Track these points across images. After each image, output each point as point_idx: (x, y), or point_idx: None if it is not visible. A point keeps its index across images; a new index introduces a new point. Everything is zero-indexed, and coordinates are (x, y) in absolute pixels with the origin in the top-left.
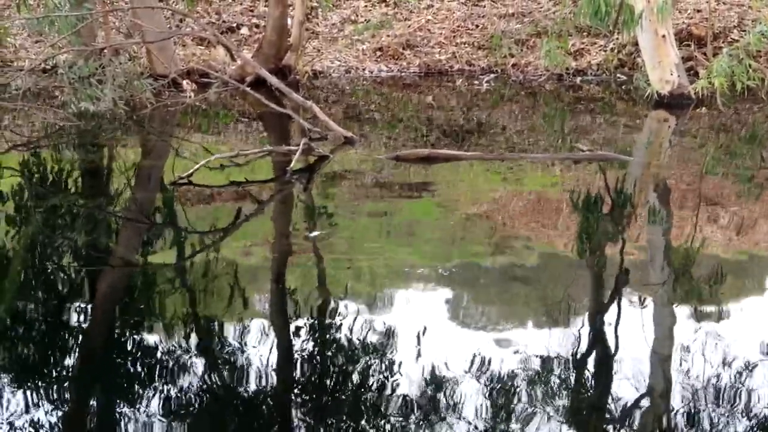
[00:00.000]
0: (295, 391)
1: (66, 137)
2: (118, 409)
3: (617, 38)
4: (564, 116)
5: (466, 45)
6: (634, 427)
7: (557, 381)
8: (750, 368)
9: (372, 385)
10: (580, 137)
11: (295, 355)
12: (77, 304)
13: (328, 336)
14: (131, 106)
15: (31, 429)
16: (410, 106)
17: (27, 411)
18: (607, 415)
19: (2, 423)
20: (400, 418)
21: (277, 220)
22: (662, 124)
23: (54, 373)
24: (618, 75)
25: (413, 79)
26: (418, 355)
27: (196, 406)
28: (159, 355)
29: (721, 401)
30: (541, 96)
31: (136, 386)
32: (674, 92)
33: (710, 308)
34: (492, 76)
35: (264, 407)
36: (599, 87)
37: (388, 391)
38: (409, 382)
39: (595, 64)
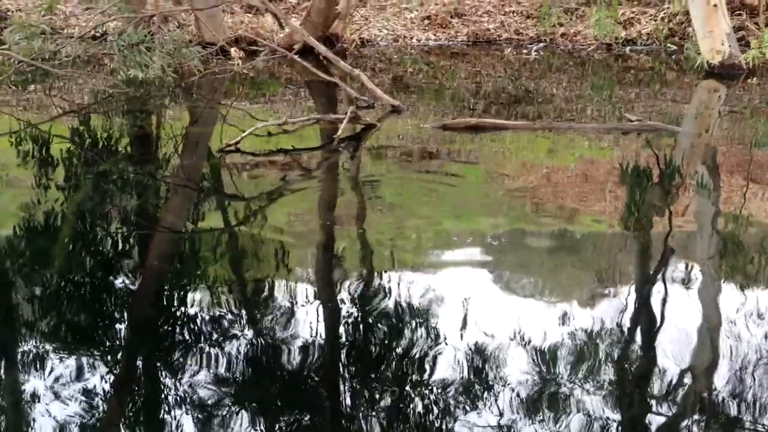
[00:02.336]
0: (342, 357)
1: (115, 104)
2: (166, 373)
3: (668, 7)
4: (612, 86)
5: (515, 14)
6: (680, 400)
7: (603, 351)
8: None
9: (419, 351)
10: (629, 107)
11: (342, 323)
12: (127, 269)
13: (374, 303)
14: (179, 74)
15: (81, 392)
16: (458, 75)
17: (77, 374)
18: (653, 387)
19: (54, 386)
20: (446, 384)
21: (324, 187)
22: (712, 94)
23: (103, 337)
24: (668, 45)
25: (461, 48)
26: (465, 322)
27: (243, 370)
28: (207, 320)
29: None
30: (589, 66)
31: (184, 350)
32: (725, 62)
33: (759, 282)
34: (540, 45)
35: (311, 372)
36: (649, 57)
37: (435, 358)
38: (455, 349)
39: (645, 33)
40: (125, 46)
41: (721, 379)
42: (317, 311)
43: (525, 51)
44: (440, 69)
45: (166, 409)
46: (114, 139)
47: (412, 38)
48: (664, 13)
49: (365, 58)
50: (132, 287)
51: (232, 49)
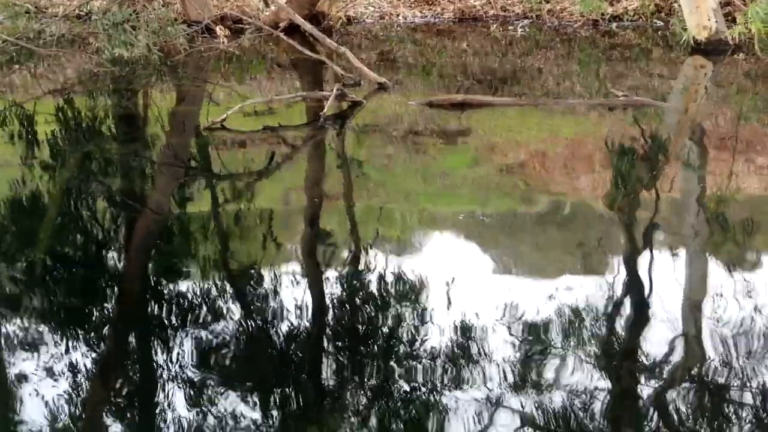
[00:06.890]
0: (329, 335)
1: (100, 83)
2: (153, 353)
3: None
4: (599, 62)
5: None
6: (667, 374)
7: (591, 326)
8: None
9: (407, 329)
10: (615, 83)
11: (329, 301)
12: (113, 248)
13: (362, 281)
14: (165, 53)
15: (67, 372)
16: (444, 53)
17: (63, 354)
18: (640, 362)
19: (40, 366)
20: (435, 362)
21: (310, 165)
22: (699, 70)
23: (90, 317)
24: (654, 21)
25: (447, 25)
26: (453, 299)
27: (230, 349)
28: (194, 299)
29: (754, 349)
30: (576, 42)
31: (171, 330)
32: (711, 38)
33: (745, 256)
34: (527, 22)
35: (298, 351)
36: (635, 33)
37: (423, 336)
38: (443, 326)
39: (631, 9)
40: (110, 25)
41: (707, 354)
42: (307, 288)
43: (511, 28)
44: (426, 46)
45: (157, 387)
46: (99, 119)
47: (398, 15)
48: None
49: (351, 35)
50: (117, 268)
51: (218, 28)
